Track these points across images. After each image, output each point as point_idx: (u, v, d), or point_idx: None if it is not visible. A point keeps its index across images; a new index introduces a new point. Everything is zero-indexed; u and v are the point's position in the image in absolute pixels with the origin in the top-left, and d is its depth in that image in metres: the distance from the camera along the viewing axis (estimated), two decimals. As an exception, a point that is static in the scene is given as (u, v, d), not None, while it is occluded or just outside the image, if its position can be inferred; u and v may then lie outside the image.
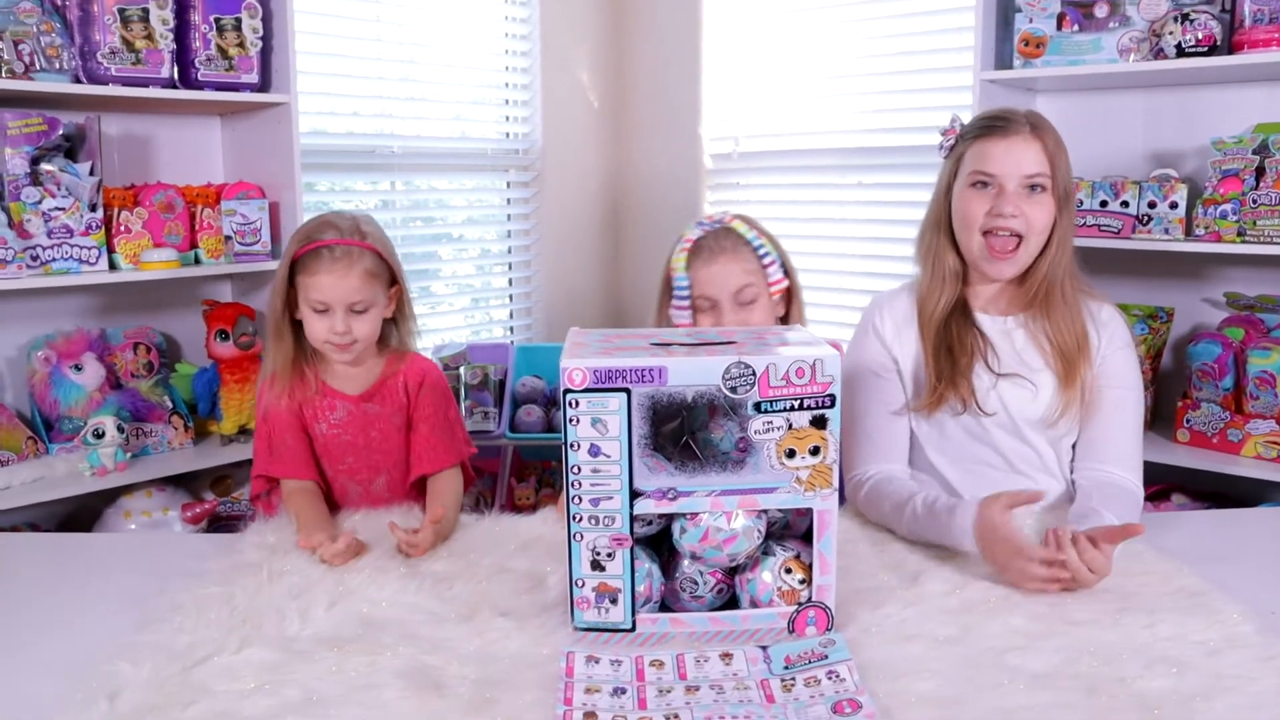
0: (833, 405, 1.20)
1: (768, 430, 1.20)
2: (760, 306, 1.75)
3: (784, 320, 1.83)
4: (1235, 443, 2.36)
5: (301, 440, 1.80)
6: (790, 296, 1.83)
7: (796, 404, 1.19)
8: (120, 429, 2.36)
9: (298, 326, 1.78)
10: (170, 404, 2.57)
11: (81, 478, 2.32)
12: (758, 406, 1.19)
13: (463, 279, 3.62)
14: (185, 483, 2.53)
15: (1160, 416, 2.60)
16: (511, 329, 3.72)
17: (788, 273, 1.81)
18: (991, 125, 1.68)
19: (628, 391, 1.18)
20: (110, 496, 2.39)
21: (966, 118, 1.76)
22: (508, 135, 3.63)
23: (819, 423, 1.20)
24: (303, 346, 1.80)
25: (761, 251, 1.76)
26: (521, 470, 2.98)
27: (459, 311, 3.59)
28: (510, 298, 3.72)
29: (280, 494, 1.79)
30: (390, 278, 1.80)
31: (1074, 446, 1.72)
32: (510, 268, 3.70)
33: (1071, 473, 1.72)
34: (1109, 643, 1.22)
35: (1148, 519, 1.63)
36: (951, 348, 1.68)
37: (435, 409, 1.85)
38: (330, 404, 1.81)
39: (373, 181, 3.31)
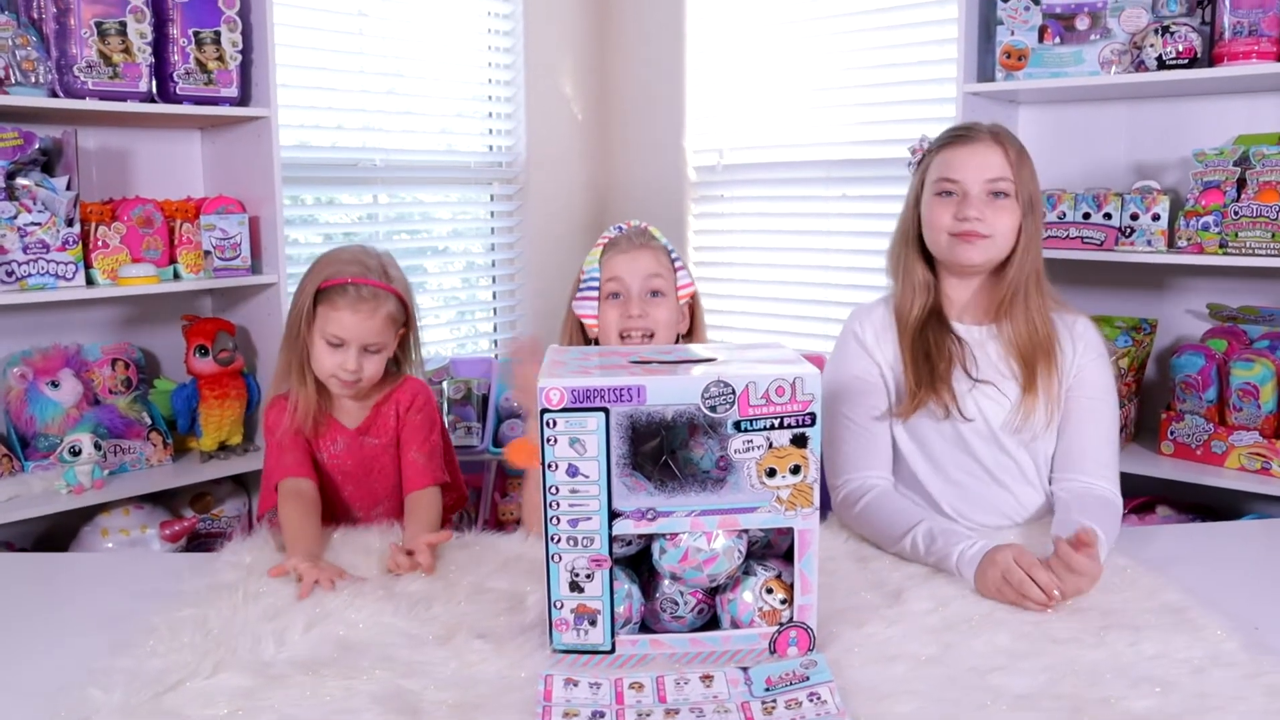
0: (813, 424, 1.19)
1: (748, 449, 1.18)
2: (667, 304, 1.79)
3: (689, 333, 1.87)
4: (1219, 454, 2.35)
5: (306, 450, 1.80)
6: (693, 310, 1.88)
7: (776, 423, 1.18)
8: (97, 446, 2.34)
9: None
10: (149, 420, 2.55)
11: (58, 496, 2.29)
12: (737, 425, 1.18)
13: (448, 292, 3.61)
14: (164, 500, 2.51)
15: (1144, 429, 2.60)
16: (496, 342, 3.70)
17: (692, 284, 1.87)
18: (955, 135, 1.73)
19: (606, 411, 1.16)
20: (88, 514, 2.36)
21: (934, 135, 1.79)
22: (491, 148, 3.61)
23: (799, 441, 1.19)
24: (314, 376, 1.79)
25: (673, 254, 1.83)
26: (505, 485, 2.96)
27: (445, 325, 3.57)
28: (495, 311, 3.71)
29: None
30: (404, 318, 1.81)
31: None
32: (494, 280, 3.69)
33: (1050, 484, 1.72)
34: (1093, 662, 1.21)
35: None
36: (929, 354, 1.70)
37: (419, 433, 1.85)
38: (331, 436, 1.82)
39: (357, 194, 3.29)
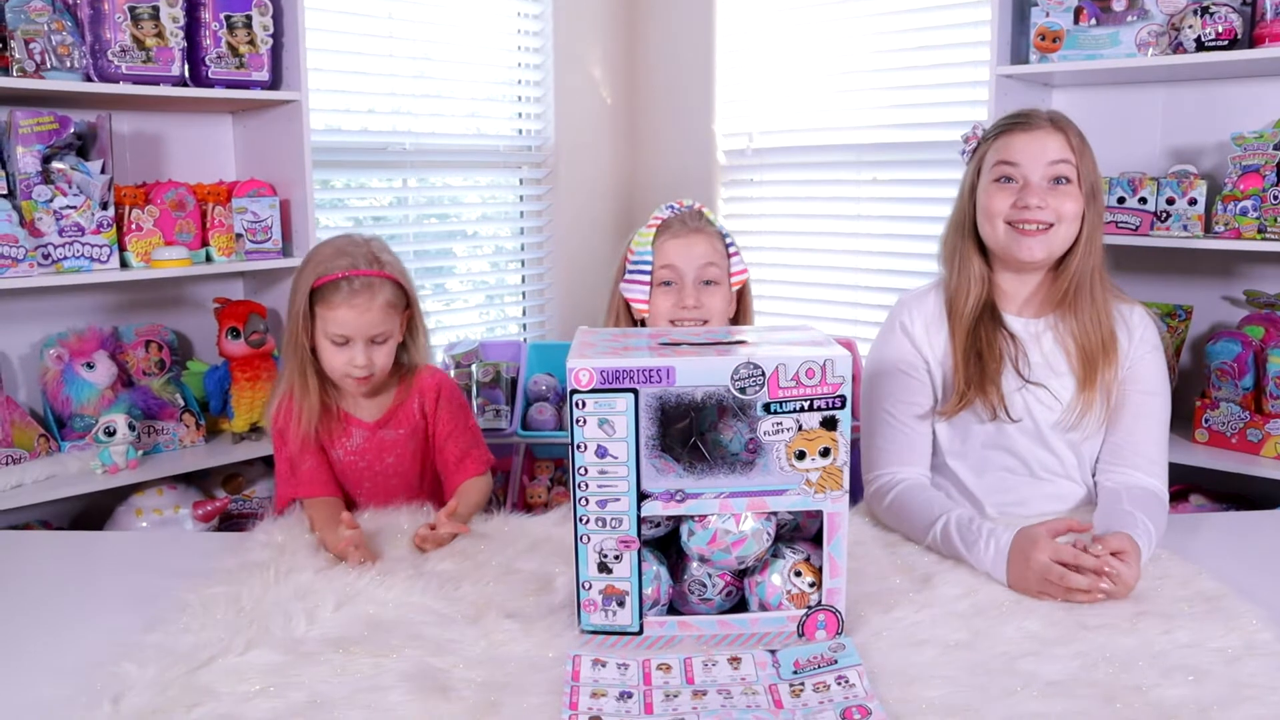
0: (843, 406, 1.18)
1: (777, 431, 1.18)
2: (720, 292, 1.75)
3: (735, 318, 1.83)
4: (1255, 443, 2.32)
5: (320, 458, 1.79)
6: (743, 294, 1.83)
7: (806, 405, 1.18)
8: (131, 427, 2.36)
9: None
10: (182, 402, 2.57)
11: (93, 475, 2.32)
12: (767, 407, 1.17)
13: (477, 276, 3.62)
14: (197, 480, 2.53)
15: (1179, 416, 2.54)
16: (525, 326, 3.71)
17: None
18: (1013, 122, 1.67)
19: (635, 392, 1.16)
20: (122, 494, 2.39)
21: (972, 120, 1.75)
22: (520, 132, 3.61)
23: (829, 424, 1.18)
24: (321, 377, 1.78)
25: (728, 240, 1.78)
26: (534, 468, 2.97)
27: (474, 309, 3.59)
28: (524, 295, 3.72)
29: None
30: (404, 302, 1.79)
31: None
32: (523, 264, 3.70)
33: (1094, 475, 1.69)
34: (1125, 649, 1.20)
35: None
36: (981, 352, 1.65)
37: (457, 422, 1.85)
38: (348, 431, 1.81)
39: (387, 179, 3.31)
